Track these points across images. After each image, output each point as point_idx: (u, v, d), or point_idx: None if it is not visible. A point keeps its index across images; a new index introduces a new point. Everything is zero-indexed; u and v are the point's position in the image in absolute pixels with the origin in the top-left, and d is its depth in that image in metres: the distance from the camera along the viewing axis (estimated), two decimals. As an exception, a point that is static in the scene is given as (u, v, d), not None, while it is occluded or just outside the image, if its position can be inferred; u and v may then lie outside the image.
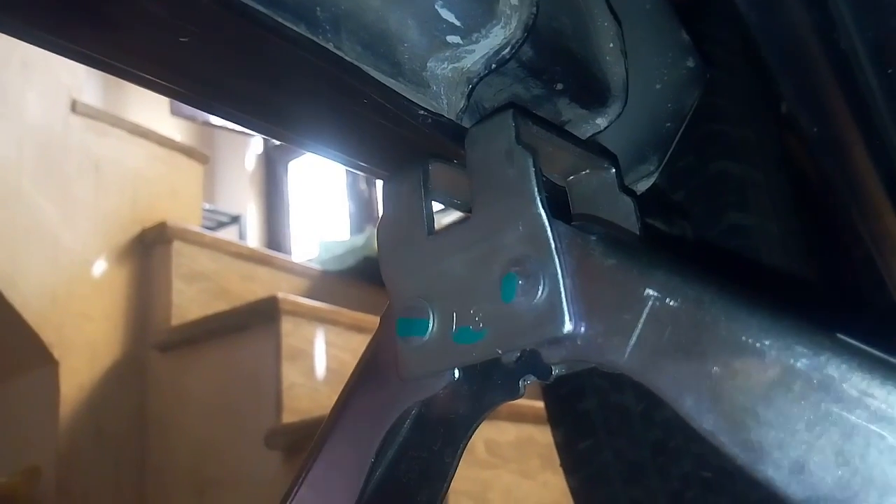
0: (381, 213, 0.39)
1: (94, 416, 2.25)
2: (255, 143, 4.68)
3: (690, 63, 0.52)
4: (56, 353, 2.21)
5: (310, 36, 0.30)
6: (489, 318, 0.34)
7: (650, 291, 0.29)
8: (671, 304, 0.29)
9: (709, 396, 0.27)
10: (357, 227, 4.04)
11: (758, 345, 0.26)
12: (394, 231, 0.38)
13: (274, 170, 4.71)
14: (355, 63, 0.32)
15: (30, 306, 2.17)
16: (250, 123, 0.43)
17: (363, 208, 4.13)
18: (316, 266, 3.12)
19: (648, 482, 0.77)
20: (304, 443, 1.98)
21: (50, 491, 2.14)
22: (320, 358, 2.24)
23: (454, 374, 0.36)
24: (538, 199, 0.33)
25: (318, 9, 0.30)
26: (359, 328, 2.34)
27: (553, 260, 0.32)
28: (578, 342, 0.31)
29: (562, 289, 0.32)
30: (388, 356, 0.38)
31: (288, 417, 2.07)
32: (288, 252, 4.18)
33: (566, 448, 0.83)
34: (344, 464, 0.40)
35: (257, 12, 0.28)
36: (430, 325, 0.36)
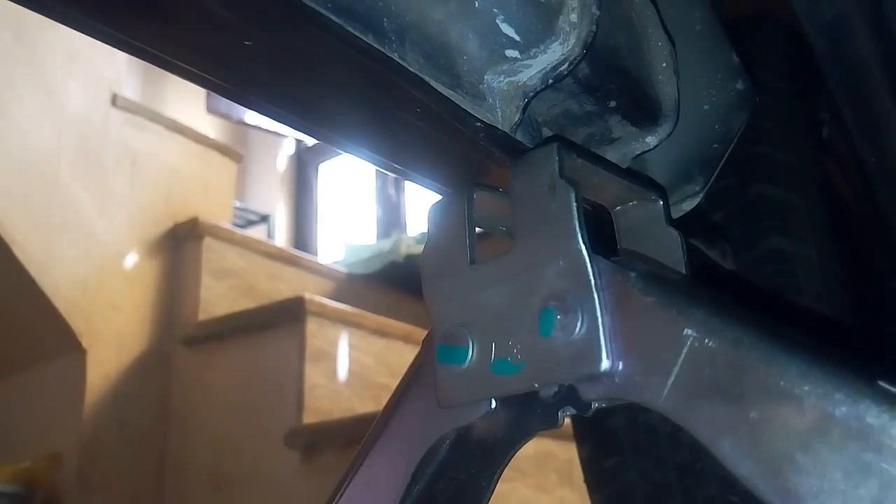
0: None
1: (117, 406, 2.28)
2: (287, 144, 4.72)
3: (740, 85, 0.52)
4: (84, 342, 2.23)
5: (377, 46, 0.31)
6: (527, 351, 0.34)
7: (689, 331, 0.28)
8: (710, 344, 0.28)
9: (746, 441, 0.26)
10: (384, 232, 4.05)
11: (796, 391, 0.26)
12: (437, 257, 0.38)
13: (304, 171, 4.74)
14: (417, 73, 0.33)
15: (61, 294, 2.20)
16: (299, 125, 0.44)
17: (391, 213, 4.14)
18: (342, 269, 3.14)
19: (673, 504, 0.76)
20: (323, 444, 1.99)
21: (70, 478, 2.16)
22: (343, 360, 2.25)
23: (490, 403, 0.35)
24: (579, 234, 0.33)
25: (385, 20, 0.31)
26: (382, 332, 2.35)
27: (592, 296, 0.32)
28: (616, 380, 0.31)
29: (600, 325, 0.31)
30: (429, 379, 0.38)
31: (308, 418, 2.08)
32: (314, 253, 4.20)
33: (591, 465, 0.83)
34: (381, 482, 0.40)
35: (330, 20, 0.29)
36: (470, 353, 0.35)
